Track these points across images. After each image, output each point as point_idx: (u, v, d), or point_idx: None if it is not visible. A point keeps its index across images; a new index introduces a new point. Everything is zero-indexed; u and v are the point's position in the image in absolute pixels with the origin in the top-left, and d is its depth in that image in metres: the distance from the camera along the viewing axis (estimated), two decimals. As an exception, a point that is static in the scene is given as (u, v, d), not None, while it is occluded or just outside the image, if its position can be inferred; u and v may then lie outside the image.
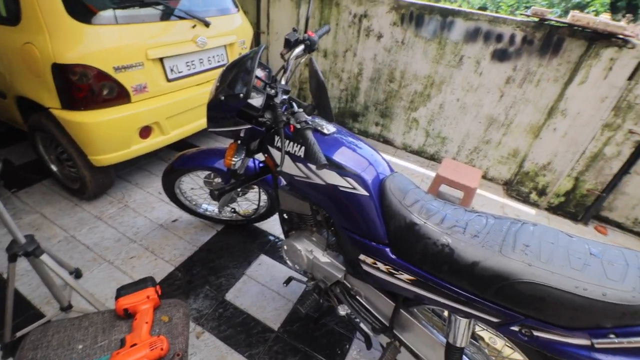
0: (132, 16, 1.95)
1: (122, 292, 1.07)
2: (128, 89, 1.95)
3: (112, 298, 1.68)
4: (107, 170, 2.19)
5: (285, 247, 1.47)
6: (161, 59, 2.08)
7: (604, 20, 2.25)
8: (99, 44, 1.80)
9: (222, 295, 1.78)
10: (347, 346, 1.64)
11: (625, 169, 2.56)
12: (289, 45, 1.28)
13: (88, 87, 1.80)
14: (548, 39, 2.53)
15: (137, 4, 1.99)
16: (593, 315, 0.75)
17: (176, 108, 2.23)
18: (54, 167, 2.30)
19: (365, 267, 1.16)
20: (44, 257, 1.26)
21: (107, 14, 1.85)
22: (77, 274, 1.75)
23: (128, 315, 1.03)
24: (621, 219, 2.85)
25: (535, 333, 0.85)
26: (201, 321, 1.65)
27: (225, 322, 1.66)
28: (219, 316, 1.68)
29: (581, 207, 2.85)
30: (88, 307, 1.53)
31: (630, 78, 2.33)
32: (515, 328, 0.88)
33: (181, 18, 2.17)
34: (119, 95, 1.92)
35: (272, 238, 2.20)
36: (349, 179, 1.08)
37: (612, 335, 0.74)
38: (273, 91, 1.20)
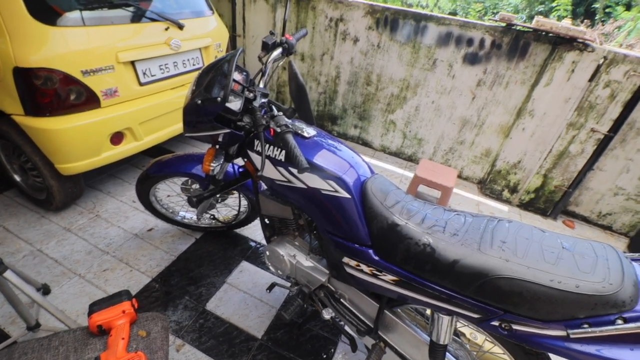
0: (101, 18, 1.88)
1: (95, 307, 1.01)
2: (97, 94, 1.86)
3: (84, 314, 1.59)
4: (76, 179, 2.09)
5: (267, 253, 1.45)
6: (133, 62, 2.01)
7: (565, 25, 2.38)
8: (65, 46, 1.71)
9: (202, 306, 1.73)
10: (333, 350, 1.63)
11: (589, 166, 2.71)
12: (267, 48, 1.27)
13: (53, 92, 1.70)
14: (515, 43, 2.65)
15: (106, 5, 1.92)
16: (568, 307, 0.78)
17: (150, 113, 2.15)
18: (17, 177, 2.16)
19: (349, 270, 1.16)
20: (8, 274, 1.18)
21: (74, 15, 1.76)
22: (45, 290, 1.65)
23: (102, 332, 0.98)
24: (587, 212, 3.01)
25: (514, 327, 0.87)
26: (181, 333, 1.59)
27: (206, 333, 1.61)
28: (199, 327, 1.63)
29: (550, 202, 3.00)
30: (58, 325, 1.44)
31: (590, 80, 2.48)
32: (495, 323, 0.90)
33: (153, 20, 2.11)
34: (88, 100, 1.84)
35: (253, 244, 2.16)
36: (330, 181, 1.07)
37: (585, 325, 0.77)
38: (251, 95, 1.18)
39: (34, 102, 1.70)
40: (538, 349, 0.88)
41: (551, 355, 0.97)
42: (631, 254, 0.93)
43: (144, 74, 2.09)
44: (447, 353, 1.14)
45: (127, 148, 2.11)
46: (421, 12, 2.91)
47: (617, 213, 2.88)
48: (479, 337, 1.27)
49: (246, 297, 1.81)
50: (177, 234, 2.15)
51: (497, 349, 1.15)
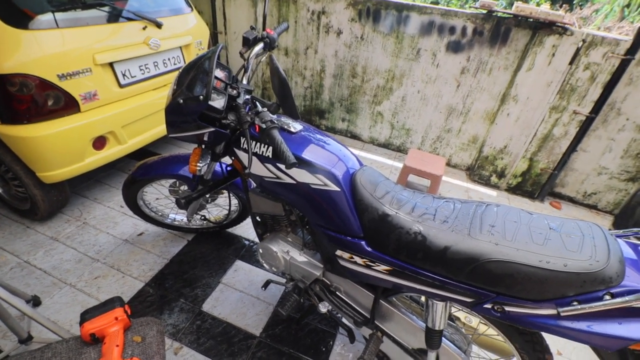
0: (75, 19, 1.82)
1: (86, 316, 0.99)
2: (76, 98, 1.81)
3: (78, 324, 1.57)
4: (61, 187, 2.03)
5: (260, 251, 1.44)
6: (111, 64, 1.96)
7: (544, 10, 2.41)
8: (39, 50, 1.65)
9: (198, 307, 1.72)
10: (331, 342, 1.64)
11: (572, 147, 2.77)
12: (248, 43, 1.25)
13: (30, 98, 1.65)
14: (496, 29, 2.67)
15: (80, 6, 1.86)
16: (557, 285, 0.80)
17: (132, 115, 2.11)
18: (-3, 188, 2.10)
19: (342, 262, 1.16)
20: (-6, 288, 1.15)
21: (46, 17, 1.70)
22: (35, 301, 1.61)
23: (96, 340, 0.96)
24: (572, 193, 3.08)
25: (507, 308, 0.89)
26: (178, 336, 1.58)
27: (204, 334, 1.60)
28: (197, 329, 1.62)
29: (537, 185, 3.05)
30: (51, 336, 1.41)
31: (571, 63, 2.52)
32: (488, 306, 0.92)
33: (130, 20, 2.05)
34: (67, 105, 1.79)
35: (247, 242, 2.15)
36: (319, 175, 1.07)
37: (575, 303, 0.79)
38: (235, 92, 1.16)
39: (10, 110, 1.65)
40: (531, 329, 0.90)
41: (544, 333, 0.99)
42: (616, 230, 0.96)
43: (124, 75, 2.04)
44: (443, 338, 1.16)
45: (111, 152, 2.06)
46: (403, 2, 2.90)
47: (601, 192, 2.95)
48: (474, 321, 1.29)
49: (242, 296, 1.80)
50: (169, 236, 2.12)
51: (492, 331, 1.17)
